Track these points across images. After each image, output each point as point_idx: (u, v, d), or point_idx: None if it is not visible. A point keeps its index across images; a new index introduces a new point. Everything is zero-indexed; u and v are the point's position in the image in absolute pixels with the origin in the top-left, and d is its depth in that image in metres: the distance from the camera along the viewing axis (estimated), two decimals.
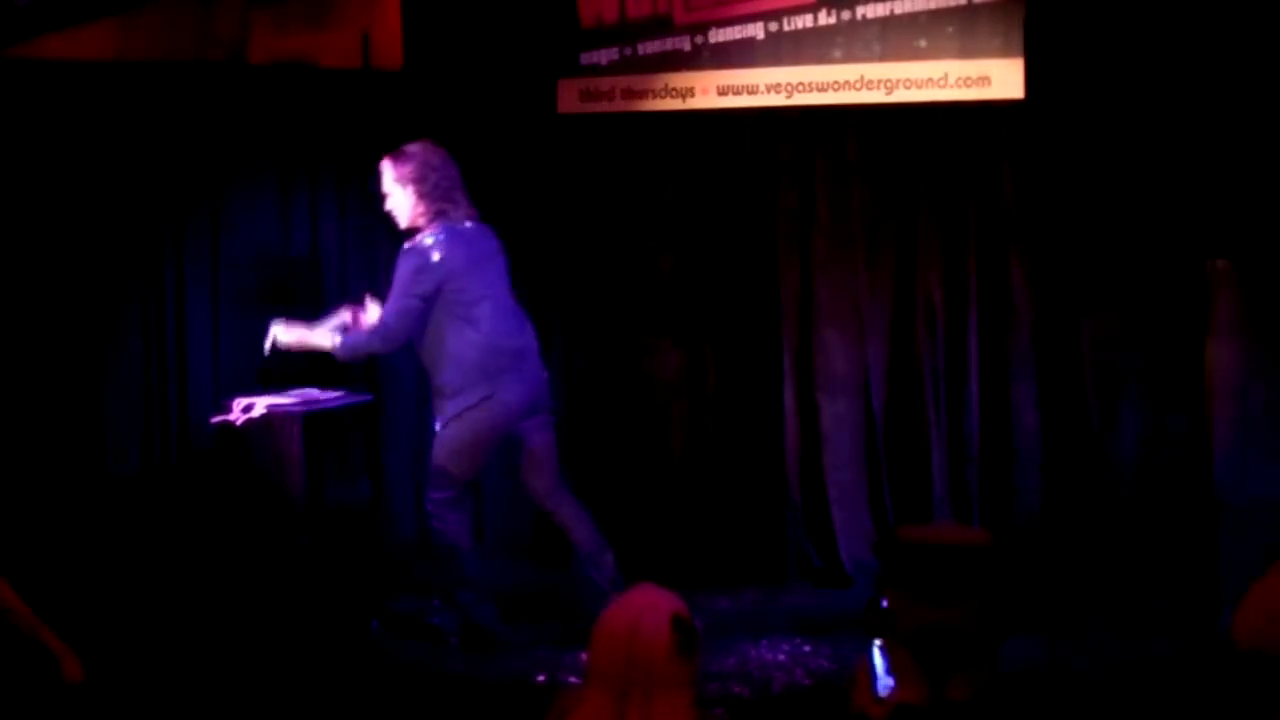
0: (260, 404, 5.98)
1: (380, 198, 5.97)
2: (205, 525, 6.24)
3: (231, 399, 6.08)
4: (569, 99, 7.01)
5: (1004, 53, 6.17)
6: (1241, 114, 6.05)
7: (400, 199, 5.88)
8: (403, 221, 5.92)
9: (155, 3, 7.26)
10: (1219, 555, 6.05)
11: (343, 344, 5.89)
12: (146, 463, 6.61)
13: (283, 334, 5.91)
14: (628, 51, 6.87)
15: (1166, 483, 6.30)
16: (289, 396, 6.14)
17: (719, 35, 6.67)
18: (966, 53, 6.23)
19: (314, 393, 6.30)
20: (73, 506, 6.35)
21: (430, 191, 5.84)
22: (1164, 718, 5.16)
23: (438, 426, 5.93)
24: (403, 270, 5.81)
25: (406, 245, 5.85)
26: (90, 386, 6.53)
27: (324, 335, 5.90)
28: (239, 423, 5.93)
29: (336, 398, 6.27)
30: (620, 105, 6.89)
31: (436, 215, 5.83)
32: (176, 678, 5.50)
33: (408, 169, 5.84)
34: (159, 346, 6.66)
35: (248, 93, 6.93)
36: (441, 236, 5.79)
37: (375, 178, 6.00)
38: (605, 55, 6.92)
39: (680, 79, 6.76)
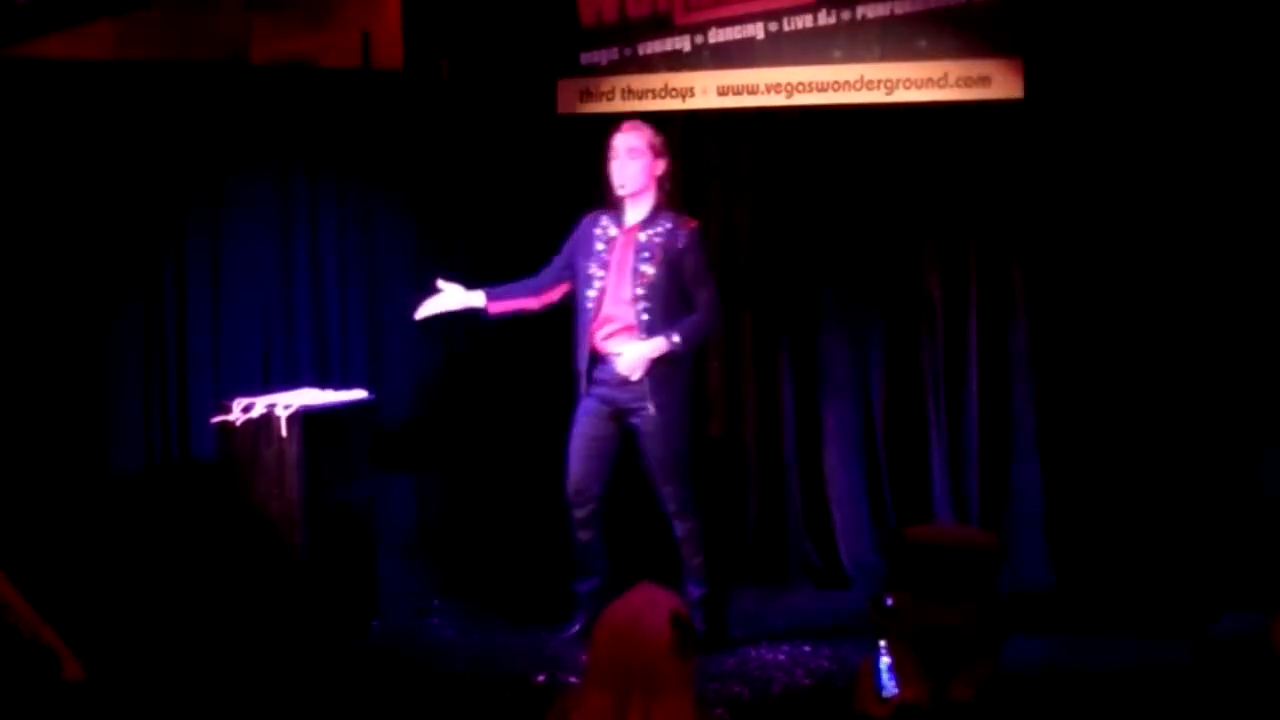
0: (260, 404, 5.98)
1: (612, 152, 5.87)
2: (206, 525, 6.24)
3: (231, 399, 6.08)
4: (569, 99, 7.01)
5: (1004, 53, 6.17)
6: (1241, 111, 6.05)
7: (644, 168, 5.82)
8: (630, 187, 5.83)
9: (156, 4, 7.25)
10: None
11: (684, 341, 5.76)
12: (147, 462, 6.61)
13: (629, 354, 5.75)
14: (628, 51, 6.87)
15: (1167, 482, 6.30)
16: (289, 396, 6.14)
17: (719, 35, 6.67)
18: (966, 53, 6.23)
19: (313, 392, 6.30)
20: (74, 506, 6.35)
21: (669, 181, 5.89)
22: (1164, 718, 5.16)
23: (651, 409, 5.76)
24: (703, 253, 5.85)
25: (690, 229, 5.82)
26: (91, 386, 6.52)
27: (659, 342, 5.74)
28: (239, 423, 5.93)
29: (336, 398, 6.27)
30: (620, 105, 6.89)
31: (667, 203, 5.87)
32: (176, 678, 5.50)
33: (666, 147, 5.88)
34: (160, 346, 6.65)
35: (248, 93, 6.93)
36: None
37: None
38: (605, 55, 6.92)
39: (680, 79, 6.76)
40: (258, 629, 5.87)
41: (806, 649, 5.90)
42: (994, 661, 2.72)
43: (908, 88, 6.34)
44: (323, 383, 6.57)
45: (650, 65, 6.82)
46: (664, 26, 6.78)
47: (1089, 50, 6.25)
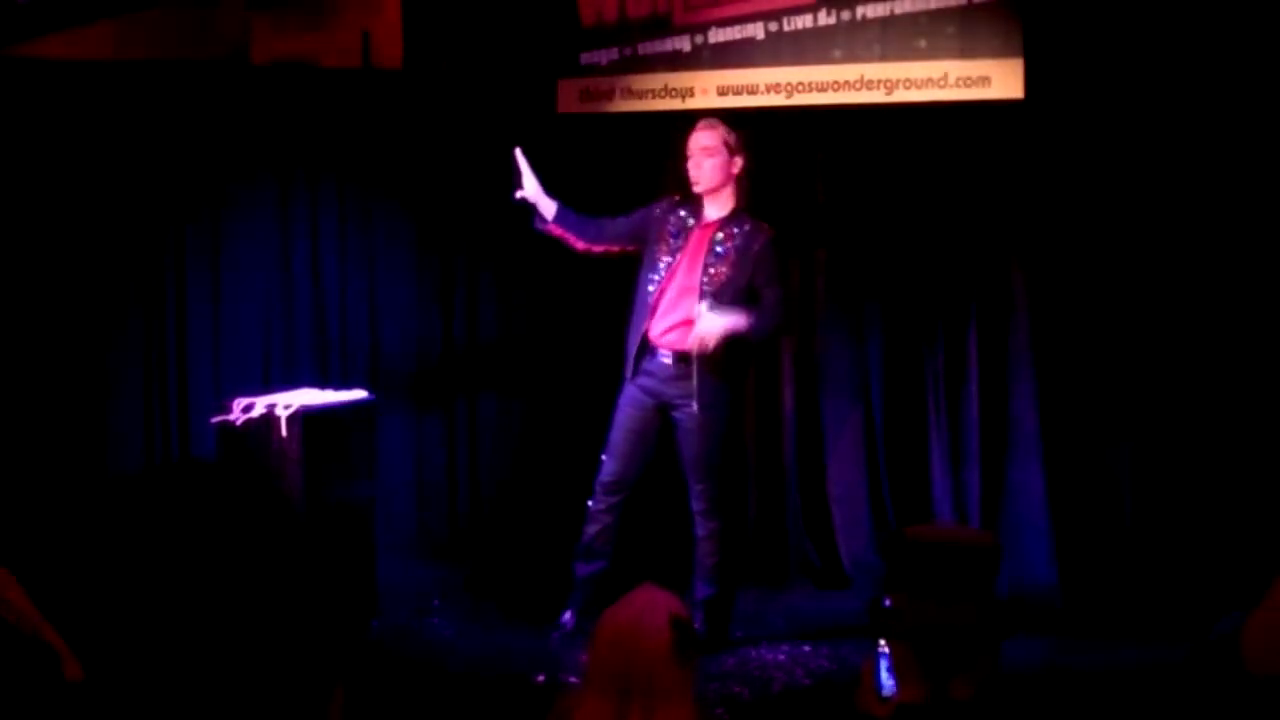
0: (260, 404, 5.98)
1: (688, 150, 5.85)
2: (206, 525, 6.24)
3: (231, 399, 6.08)
4: (569, 99, 7.01)
5: (1004, 53, 6.17)
6: (1242, 111, 6.05)
7: (720, 166, 5.78)
8: (705, 185, 5.79)
9: (156, 4, 7.26)
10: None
11: (756, 328, 5.70)
12: (147, 462, 6.61)
13: (708, 323, 5.63)
14: (628, 51, 6.87)
15: (1167, 482, 6.29)
16: (289, 396, 6.14)
17: (719, 35, 6.67)
18: (966, 53, 6.23)
19: (313, 393, 6.30)
20: (74, 505, 6.35)
21: (746, 179, 5.84)
22: (1164, 718, 5.16)
23: (695, 407, 5.73)
24: (775, 261, 5.79)
25: (767, 236, 5.78)
26: (91, 386, 6.53)
27: (739, 319, 5.65)
28: (239, 423, 5.93)
29: (336, 398, 6.27)
30: (620, 105, 6.89)
31: (745, 203, 5.82)
32: (176, 678, 5.50)
33: (740, 144, 5.82)
34: (160, 346, 6.66)
35: (248, 92, 6.93)
36: None
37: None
38: (605, 55, 6.92)
39: (680, 79, 6.76)
40: (257, 629, 5.87)
41: (806, 649, 5.90)
42: (994, 661, 2.72)
43: (908, 88, 6.33)
44: (323, 383, 6.57)
45: (650, 65, 6.82)
46: (664, 26, 6.78)
47: (1089, 50, 6.25)
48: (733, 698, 5.37)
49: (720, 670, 5.62)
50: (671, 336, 5.80)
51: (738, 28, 6.63)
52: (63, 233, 6.47)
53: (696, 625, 5.62)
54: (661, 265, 5.84)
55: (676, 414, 5.83)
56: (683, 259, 5.82)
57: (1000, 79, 6.18)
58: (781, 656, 5.83)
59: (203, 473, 6.43)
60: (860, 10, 6.37)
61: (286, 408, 5.96)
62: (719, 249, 5.77)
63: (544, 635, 6.02)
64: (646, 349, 5.86)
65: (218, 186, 6.81)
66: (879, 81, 6.38)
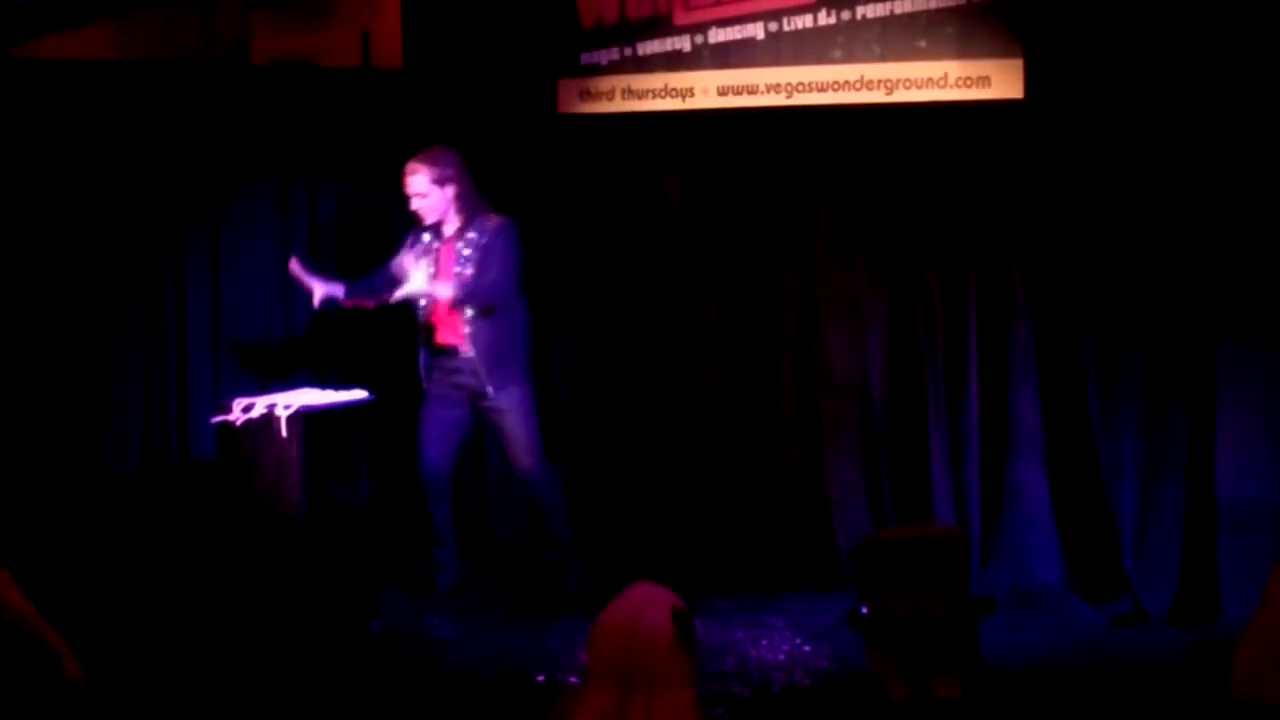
0: (260, 404, 5.99)
1: (404, 198, 6.38)
2: (205, 525, 6.24)
3: (231, 399, 6.08)
4: (569, 99, 7.01)
5: (1004, 53, 6.16)
6: (1241, 113, 6.05)
7: (437, 199, 6.36)
8: (430, 219, 6.41)
9: (156, 5, 7.27)
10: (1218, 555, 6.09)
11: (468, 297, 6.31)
12: (147, 462, 6.62)
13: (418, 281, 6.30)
14: (628, 51, 6.87)
15: (1167, 483, 6.29)
16: (289, 396, 6.15)
17: (719, 35, 6.67)
18: (966, 53, 6.22)
19: (313, 392, 6.31)
20: (73, 505, 6.35)
21: (468, 192, 6.39)
22: (1163, 716, 5.16)
23: (517, 393, 6.40)
24: (509, 244, 6.39)
25: (503, 223, 6.40)
26: (91, 385, 6.53)
27: (445, 288, 6.28)
28: (239, 423, 5.94)
29: (336, 398, 6.28)
30: (620, 105, 6.89)
31: (475, 212, 6.38)
32: (176, 678, 5.50)
33: (449, 171, 6.37)
34: (159, 345, 6.66)
35: (248, 92, 6.94)
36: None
37: (391, 178, 6.45)
38: (605, 55, 6.92)
39: (680, 79, 6.76)
40: (258, 629, 5.87)
41: (806, 649, 5.90)
42: (973, 654, 2.74)
43: (908, 88, 6.33)
44: (323, 383, 6.57)
45: (650, 65, 6.81)
46: (664, 26, 6.77)
47: (1089, 50, 6.24)
48: (733, 698, 5.37)
49: (720, 670, 5.62)
50: (467, 331, 6.33)
51: (738, 28, 6.63)
52: (63, 232, 6.47)
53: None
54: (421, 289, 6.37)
55: (482, 403, 6.42)
56: (438, 273, 6.35)
57: (1000, 79, 6.17)
58: (781, 656, 5.83)
59: (203, 473, 6.44)
60: (860, 10, 6.37)
61: (286, 408, 5.97)
62: (464, 255, 6.37)
63: (544, 635, 6.03)
64: (441, 354, 6.42)
65: (218, 186, 6.81)
66: (879, 81, 6.37)
